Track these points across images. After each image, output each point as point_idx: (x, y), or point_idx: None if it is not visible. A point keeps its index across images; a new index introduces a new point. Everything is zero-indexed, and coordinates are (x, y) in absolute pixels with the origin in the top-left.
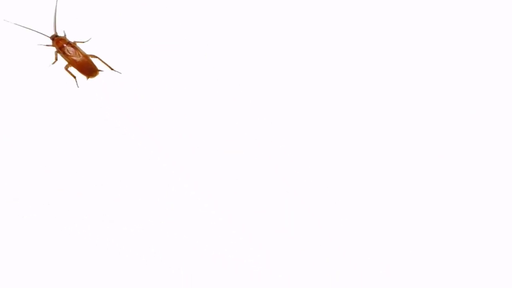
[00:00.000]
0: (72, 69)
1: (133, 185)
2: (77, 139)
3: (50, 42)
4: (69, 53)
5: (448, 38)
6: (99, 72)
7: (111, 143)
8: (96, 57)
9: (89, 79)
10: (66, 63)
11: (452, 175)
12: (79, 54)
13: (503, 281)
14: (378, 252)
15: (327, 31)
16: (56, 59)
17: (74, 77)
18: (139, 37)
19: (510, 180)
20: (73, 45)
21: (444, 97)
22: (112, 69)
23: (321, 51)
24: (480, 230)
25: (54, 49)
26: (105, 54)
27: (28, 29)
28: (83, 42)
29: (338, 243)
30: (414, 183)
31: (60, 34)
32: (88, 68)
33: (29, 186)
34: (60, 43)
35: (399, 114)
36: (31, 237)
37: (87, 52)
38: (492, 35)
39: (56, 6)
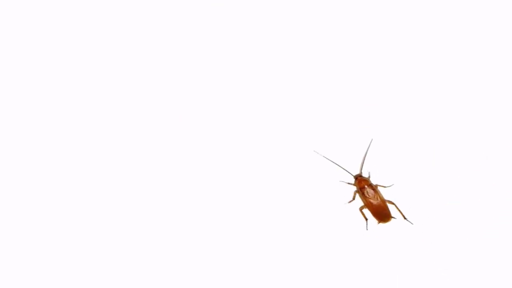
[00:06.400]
0: (366, 211)
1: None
2: None
3: (352, 180)
4: (368, 195)
5: (448, 38)
6: (392, 219)
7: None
8: (393, 203)
9: (380, 224)
10: (361, 204)
11: (452, 176)
12: (377, 198)
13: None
14: (379, 253)
15: (327, 31)
16: (354, 199)
17: (366, 219)
18: None
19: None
20: (374, 188)
21: (444, 97)
22: (405, 218)
23: (321, 52)
24: (481, 230)
25: (354, 188)
26: (402, 203)
27: (335, 165)
28: (385, 187)
29: (338, 243)
30: (414, 183)
31: (365, 175)
32: (382, 213)
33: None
34: (362, 184)
35: (399, 114)
36: (31, 237)
37: (386, 197)
38: (492, 35)
39: (368, 148)
